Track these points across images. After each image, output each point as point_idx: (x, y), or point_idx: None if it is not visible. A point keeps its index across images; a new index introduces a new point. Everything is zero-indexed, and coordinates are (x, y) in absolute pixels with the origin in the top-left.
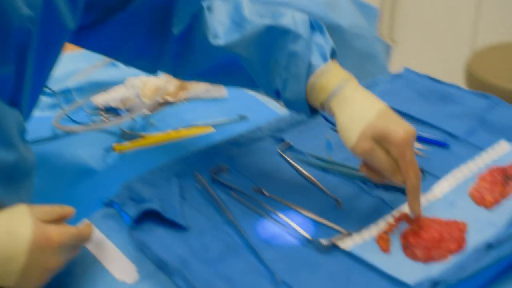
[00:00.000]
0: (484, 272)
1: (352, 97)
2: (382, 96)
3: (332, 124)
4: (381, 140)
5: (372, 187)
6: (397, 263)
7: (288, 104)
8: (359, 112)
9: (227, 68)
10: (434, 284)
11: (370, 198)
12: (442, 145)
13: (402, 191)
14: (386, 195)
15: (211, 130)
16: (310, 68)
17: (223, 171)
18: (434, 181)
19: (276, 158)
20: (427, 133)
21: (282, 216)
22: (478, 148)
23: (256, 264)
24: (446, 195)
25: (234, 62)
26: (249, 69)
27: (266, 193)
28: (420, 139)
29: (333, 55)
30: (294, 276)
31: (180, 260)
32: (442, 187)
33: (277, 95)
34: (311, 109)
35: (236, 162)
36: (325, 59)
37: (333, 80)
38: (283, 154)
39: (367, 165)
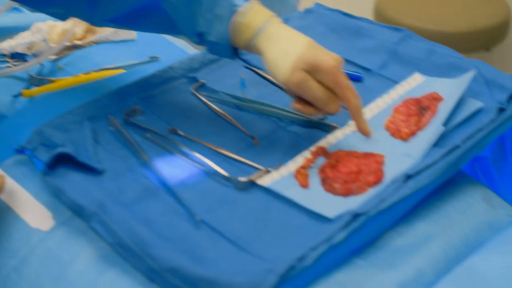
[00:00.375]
0: (403, 202)
1: (277, 33)
2: None
3: (245, 61)
4: (312, 70)
5: (288, 123)
6: (316, 198)
7: (211, 47)
8: (287, 46)
9: (147, 12)
10: (354, 216)
11: (287, 134)
12: (356, 79)
13: (318, 126)
14: (303, 131)
15: (122, 71)
16: (233, 8)
17: (136, 113)
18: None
19: (190, 97)
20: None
21: (198, 155)
22: (392, 81)
23: (174, 205)
24: None
25: (155, 6)
26: (172, 12)
27: (181, 133)
28: None
29: None
30: (213, 215)
31: (96, 204)
32: None
33: (200, 38)
34: (233, 51)
35: (149, 103)
36: None
37: (258, 18)
38: (196, 93)
39: (299, 100)
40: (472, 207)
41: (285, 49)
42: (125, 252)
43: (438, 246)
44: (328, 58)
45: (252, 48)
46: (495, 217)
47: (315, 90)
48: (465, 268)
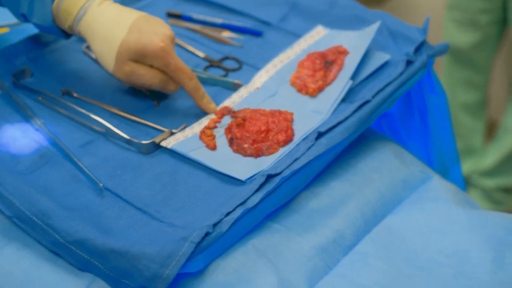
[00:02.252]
0: (316, 161)
1: (100, 16)
2: None
3: None
4: (139, 57)
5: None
6: (225, 160)
7: (40, 29)
8: (110, 31)
9: None
10: (268, 178)
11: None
12: (256, 33)
13: (221, 84)
14: (208, 90)
15: (5, 30)
16: None
17: (25, 74)
18: (254, 72)
19: (81, 56)
20: (239, 22)
21: (97, 118)
22: (294, 35)
23: (74, 171)
24: (266, 85)
25: None
26: None
27: (75, 94)
28: (233, 28)
29: None
30: (117, 182)
31: None
32: (262, 78)
33: (25, 19)
34: (64, 33)
35: (39, 63)
36: None
37: (77, 2)
38: (88, 52)
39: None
40: (386, 164)
41: (107, 37)
42: (25, 225)
43: (355, 206)
44: (154, 41)
45: (77, 34)
46: (408, 174)
47: (146, 79)
48: (383, 228)
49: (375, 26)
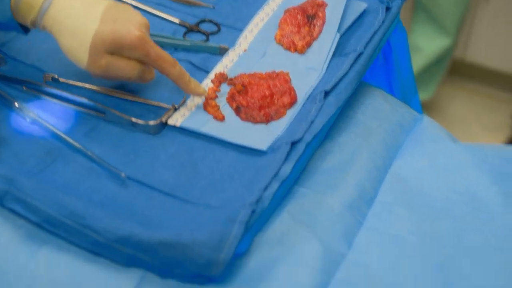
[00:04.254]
0: (329, 120)
1: (66, 9)
2: None
3: None
4: (115, 48)
5: (171, 51)
6: (238, 130)
7: None
8: (78, 25)
9: None
10: (292, 144)
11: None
12: None
13: (207, 50)
14: (192, 57)
15: None
16: None
17: (0, 63)
18: (234, 33)
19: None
20: None
21: (95, 102)
22: None
23: (88, 164)
24: (253, 46)
25: None
26: None
27: (61, 79)
28: None
29: None
30: (134, 168)
31: (4, 180)
32: (247, 39)
33: None
34: (24, 27)
35: (12, 47)
36: None
37: None
38: None
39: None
40: (380, 111)
41: (77, 29)
42: (58, 229)
43: (367, 157)
44: (130, 30)
45: (42, 28)
46: (401, 117)
47: (126, 71)
48: (393, 175)
49: None
